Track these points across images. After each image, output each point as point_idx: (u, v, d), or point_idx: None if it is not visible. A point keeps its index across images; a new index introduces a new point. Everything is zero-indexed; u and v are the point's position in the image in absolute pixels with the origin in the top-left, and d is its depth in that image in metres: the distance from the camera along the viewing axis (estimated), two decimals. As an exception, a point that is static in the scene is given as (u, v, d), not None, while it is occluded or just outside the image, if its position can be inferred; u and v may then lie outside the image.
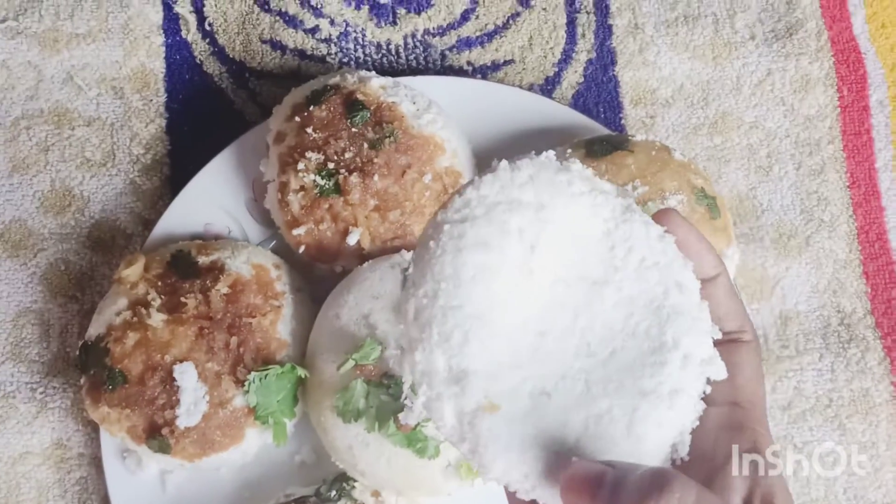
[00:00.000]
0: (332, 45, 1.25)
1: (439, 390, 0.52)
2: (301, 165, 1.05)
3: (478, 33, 1.26)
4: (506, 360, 0.53)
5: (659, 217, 0.56)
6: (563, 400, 0.52)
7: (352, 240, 1.06)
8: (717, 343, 0.56)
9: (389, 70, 1.25)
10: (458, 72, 1.25)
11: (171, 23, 1.26)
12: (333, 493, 1.00)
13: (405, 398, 0.92)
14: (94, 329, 1.04)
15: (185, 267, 1.05)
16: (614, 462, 0.51)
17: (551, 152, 0.56)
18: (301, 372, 1.01)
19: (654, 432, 0.52)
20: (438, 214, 0.54)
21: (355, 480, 1.02)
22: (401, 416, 0.89)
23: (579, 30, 1.26)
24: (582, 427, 0.52)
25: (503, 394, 0.52)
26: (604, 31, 1.26)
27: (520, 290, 0.53)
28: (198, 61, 1.25)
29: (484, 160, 1.14)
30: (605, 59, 1.25)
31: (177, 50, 1.25)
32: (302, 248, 1.08)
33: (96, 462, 1.10)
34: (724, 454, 0.54)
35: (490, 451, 0.51)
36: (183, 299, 1.02)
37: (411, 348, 0.52)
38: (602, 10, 1.26)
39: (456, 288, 0.52)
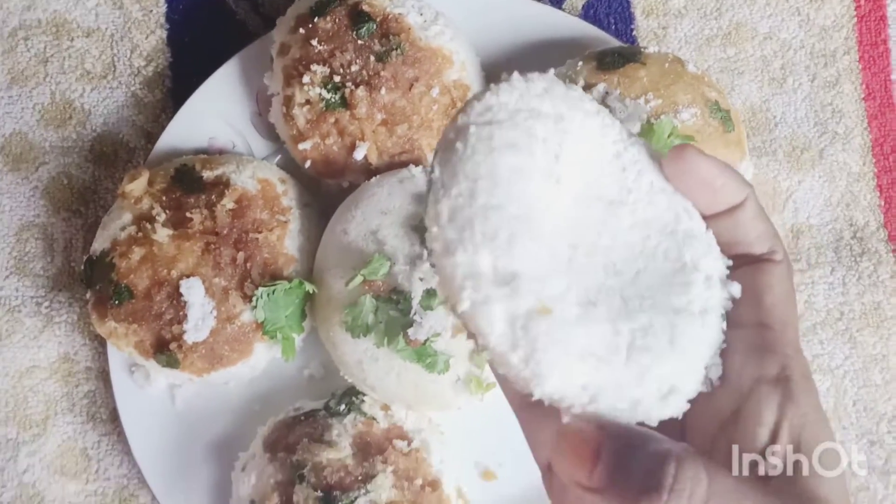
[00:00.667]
0: (337, -47, 1.21)
1: (487, 293, 0.48)
2: (306, 79, 1.03)
3: (486, -59, 1.22)
4: (548, 266, 0.50)
5: (676, 153, 0.53)
6: (607, 311, 0.50)
7: (359, 154, 1.04)
8: (747, 263, 0.55)
9: (395, -20, 1.21)
10: (466, -18, 1.21)
11: (170, -71, 1.22)
12: (343, 406, 1.00)
13: (414, 314, 0.93)
14: (99, 244, 1.04)
15: (190, 181, 1.04)
16: (609, 424, 0.49)
17: (552, 70, 0.54)
18: (309, 287, 1.01)
19: (692, 349, 0.51)
20: (459, 118, 0.51)
21: (364, 395, 1.02)
22: (410, 331, 0.92)
23: (590, -62, 1.22)
24: (630, 338, 0.50)
25: (553, 298, 0.49)
26: (615, -61, 1.22)
27: (550, 197, 0.51)
28: (198, -30, 1.22)
29: (492, 73, 1.12)
30: (616, -31, 1.21)
31: (176, -42, 1.22)
32: (308, 163, 1.07)
33: (104, 376, 1.11)
34: (751, 379, 0.52)
35: (549, 356, 0.48)
36: (188, 214, 1.01)
37: (449, 251, 0.48)
38: (614, -83, 1.23)
39: (494, 187, 0.49)
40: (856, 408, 1.12)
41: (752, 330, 0.54)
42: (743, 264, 0.55)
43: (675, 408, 0.51)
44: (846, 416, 1.11)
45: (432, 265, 0.50)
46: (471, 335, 0.50)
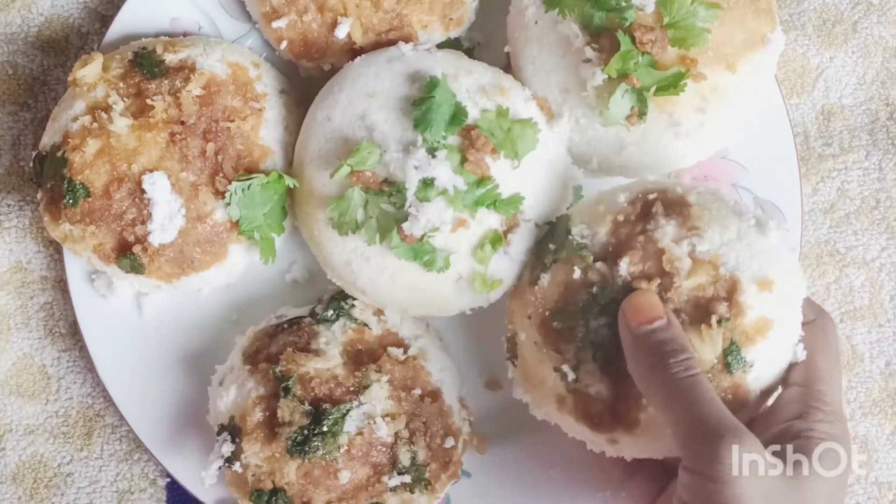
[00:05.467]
0: None
1: None
2: (279, -54, 0.97)
3: None
4: None
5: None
6: None
7: (341, 32, 0.99)
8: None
9: None
10: None
11: None
12: (331, 312, 0.98)
13: (409, 206, 0.85)
14: (49, 137, 0.99)
15: (151, 66, 0.99)
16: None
17: None
18: (289, 181, 0.97)
19: None
20: None
21: (354, 299, 0.99)
22: (404, 225, 0.89)
23: None
24: None
25: None
26: None
27: None
28: None
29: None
30: None
31: None
32: (284, 44, 1.02)
33: (62, 286, 1.09)
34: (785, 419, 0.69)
35: None
36: (149, 101, 0.96)
37: None
38: None
39: None
40: (893, 303, 1.09)
41: (796, 388, 0.73)
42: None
43: None
44: (882, 312, 1.09)
45: None
46: None
